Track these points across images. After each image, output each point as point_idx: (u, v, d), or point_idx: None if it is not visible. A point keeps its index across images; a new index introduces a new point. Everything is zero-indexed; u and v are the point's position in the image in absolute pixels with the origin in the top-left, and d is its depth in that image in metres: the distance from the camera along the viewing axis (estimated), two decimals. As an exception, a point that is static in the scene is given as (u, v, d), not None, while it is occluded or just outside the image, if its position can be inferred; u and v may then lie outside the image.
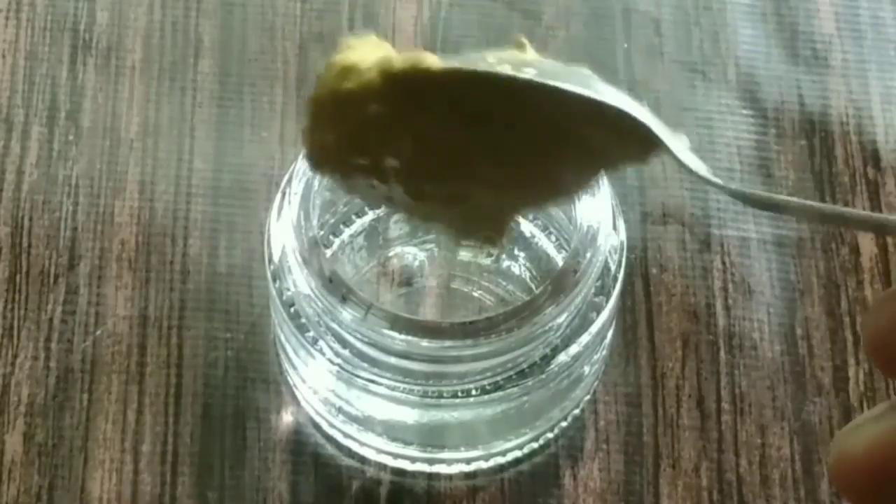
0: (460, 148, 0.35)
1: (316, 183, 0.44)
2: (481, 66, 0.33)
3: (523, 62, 0.34)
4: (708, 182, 0.34)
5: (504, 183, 0.35)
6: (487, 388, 0.44)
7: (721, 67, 0.55)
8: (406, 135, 0.35)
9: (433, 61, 0.33)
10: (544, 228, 0.49)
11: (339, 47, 0.35)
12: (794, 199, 0.33)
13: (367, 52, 0.34)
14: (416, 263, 0.51)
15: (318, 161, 0.36)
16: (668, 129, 0.35)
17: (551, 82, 0.33)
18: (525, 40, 0.36)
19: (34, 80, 0.54)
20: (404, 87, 0.33)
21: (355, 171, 0.36)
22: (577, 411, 0.49)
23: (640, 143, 0.34)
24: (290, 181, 0.44)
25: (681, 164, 0.34)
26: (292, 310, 0.44)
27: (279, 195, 0.45)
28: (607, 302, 0.45)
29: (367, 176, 0.36)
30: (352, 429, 0.48)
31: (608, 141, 0.35)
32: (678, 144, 0.34)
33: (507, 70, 0.33)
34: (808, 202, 0.33)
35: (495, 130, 0.34)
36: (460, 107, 0.34)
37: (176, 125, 0.54)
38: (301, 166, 0.44)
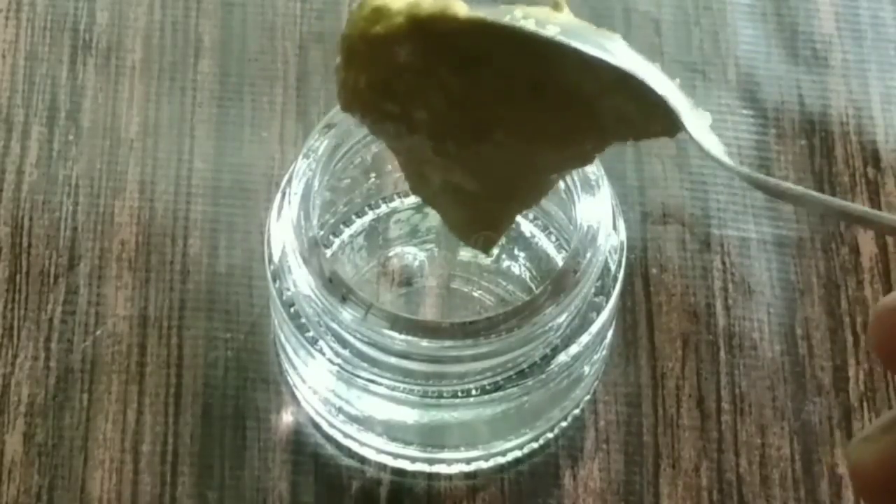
0: (483, 103, 0.35)
1: (316, 183, 0.44)
2: (507, 20, 0.33)
3: (550, 20, 0.34)
4: (720, 163, 0.34)
5: (525, 143, 0.35)
6: (487, 388, 0.44)
7: (721, 67, 0.55)
8: (436, 86, 0.34)
9: (461, 9, 0.33)
10: (544, 228, 0.49)
11: None
12: (803, 188, 0.33)
13: None
14: (416, 263, 0.51)
15: (348, 102, 0.36)
16: (690, 105, 0.34)
17: (573, 43, 0.33)
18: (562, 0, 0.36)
19: (34, 80, 0.54)
20: (431, 32, 0.34)
21: (385, 118, 0.36)
22: (577, 411, 0.49)
23: (664, 115, 0.34)
24: (290, 181, 0.44)
25: (693, 141, 0.34)
26: (292, 310, 0.44)
27: (279, 195, 0.45)
28: (607, 302, 0.45)
29: (396, 123, 0.36)
30: (352, 429, 0.48)
31: (630, 109, 0.35)
32: (697, 121, 0.34)
33: (530, 25, 0.33)
34: (817, 193, 0.33)
35: (518, 87, 0.34)
36: (484, 58, 0.34)
37: (176, 125, 0.54)
38: (301, 165, 0.44)
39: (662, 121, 0.34)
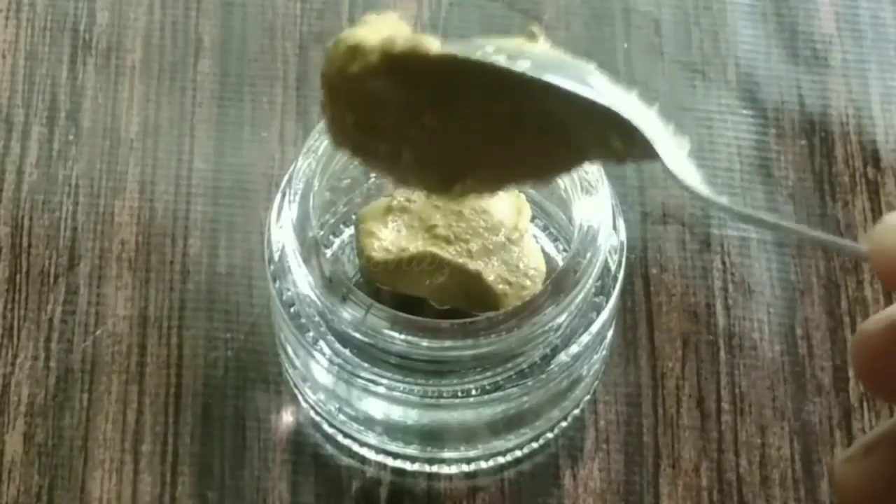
0: (464, 135, 0.35)
1: (316, 183, 0.44)
2: (478, 55, 0.34)
3: (523, 53, 0.34)
4: (696, 195, 0.34)
5: (499, 166, 0.36)
6: (487, 388, 0.44)
7: (721, 67, 0.55)
8: (417, 121, 0.35)
9: (433, 46, 0.34)
10: (544, 228, 0.49)
11: (359, 22, 0.35)
12: (776, 218, 0.33)
13: (376, 31, 0.35)
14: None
15: (338, 141, 0.37)
16: (667, 133, 0.35)
17: (545, 77, 0.33)
18: (537, 30, 0.36)
19: (34, 80, 0.54)
20: (406, 69, 0.34)
21: (374, 156, 0.37)
22: (577, 411, 0.49)
23: (642, 142, 0.34)
24: (290, 181, 0.44)
25: (669, 173, 0.34)
26: (292, 310, 0.44)
27: (279, 195, 0.45)
28: (607, 302, 0.45)
29: (385, 161, 0.36)
30: (352, 429, 0.48)
31: (609, 136, 0.35)
32: (673, 151, 0.34)
33: (502, 61, 0.34)
34: (791, 224, 0.33)
35: (496, 117, 0.35)
36: (461, 91, 0.34)
37: (176, 125, 0.54)
38: (301, 165, 0.44)
39: (642, 147, 0.35)
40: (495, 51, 0.34)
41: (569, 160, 0.37)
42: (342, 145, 0.37)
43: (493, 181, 0.37)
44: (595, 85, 0.34)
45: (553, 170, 0.37)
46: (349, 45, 0.34)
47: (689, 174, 0.34)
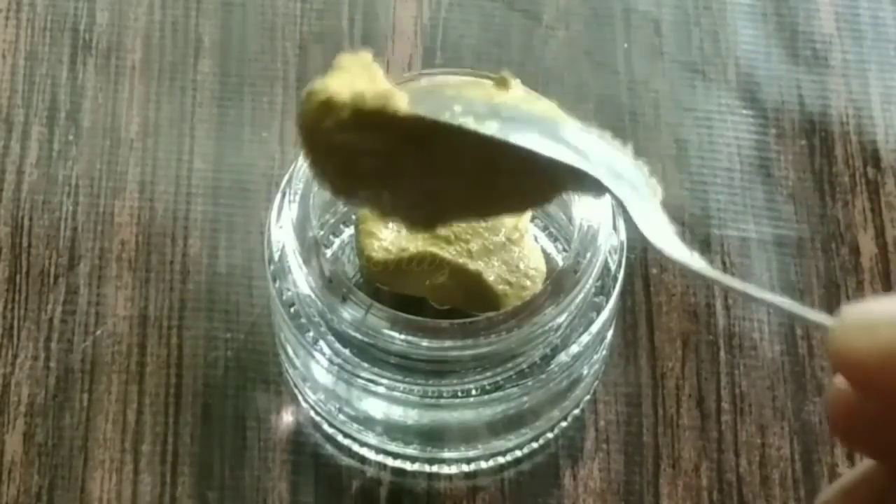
0: (440, 177, 0.36)
1: (316, 183, 0.44)
2: (446, 116, 0.34)
3: (492, 109, 0.35)
4: (668, 256, 0.34)
5: (481, 204, 0.37)
6: (487, 388, 0.44)
7: (721, 67, 0.55)
8: (393, 170, 0.36)
9: (402, 103, 0.35)
10: (544, 228, 0.49)
11: (333, 66, 0.36)
12: (748, 287, 0.33)
13: (348, 81, 0.35)
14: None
15: (319, 182, 0.38)
16: (642, 180, 0.35)
17: (512, 138, 0.34)
18: (509, 76, 0.37)
19: (34, 80, 0.54)
20: (375, 124, 0.35)
21: (359, 201, 0.38)
22: (577, 411, 0.49)
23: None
24: (290, 181, 0.44)
25: (641, 234, 0.34)
26: (292, 310, 0.44)
27: (279, 195, 0.45)
28: (607, 302, 0.45)
29: (370, 204, 0.38)
30: (352, 429, 0.48)
31: (580, 182, 0.35)
32: (645, 205, 0.34)
33: (470, 123, 0.34)
34: (762, 294, 0.33)
35: (470, 165, 0.35)
36: (432, 143, 0.35)
37: (176, 125, 0.54)
38: (301, 165, 0.44)
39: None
40: (463, 111, 0.35)
41: (550, 193, 0.37)
42: (324, 187, 0.38)
43: (476, 216, 0.39)
44: (566, 137, 0.35)
45: (535, 202, 0.38)
46: (320, 100, 0.35)
47: (663, 228, 0.34)
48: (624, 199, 0.34)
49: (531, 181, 0.36)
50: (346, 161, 0.36)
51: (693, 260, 0.33)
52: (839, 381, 0.29)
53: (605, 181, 0.34)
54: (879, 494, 0.30)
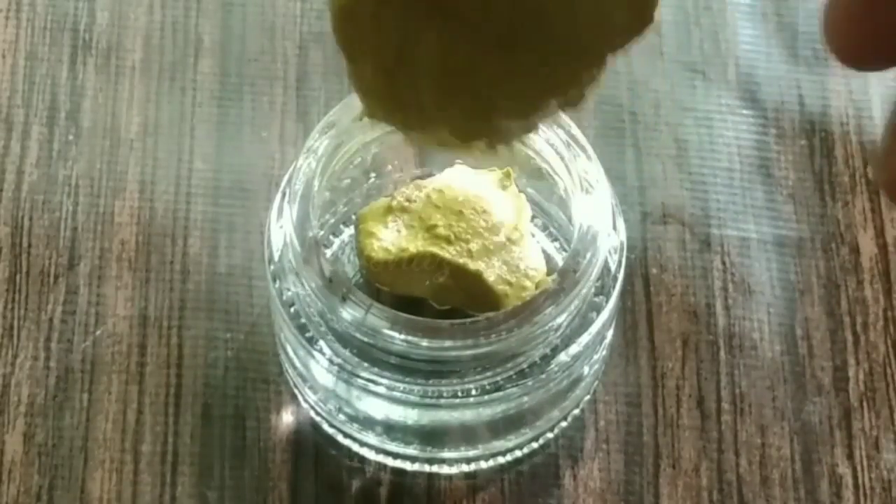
0: (470, 50, 0.34)
1: (316, 183, 0.44)
2: None
3: None
4: None
5: (520, 85, 0.35)
6: (487, 388, 0.44)
7: (721, 67, 0.55)
8: (422, 41, 0.34)
9: None
10: (544, 228, 0.49)
11: None
12: None
13: None
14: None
15: (367, 100, 0.36)
16: None
17: None
18: None
19: (34, 80, 0.54)
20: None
21: (399, 110, 0.36)
22: (577, 411, 0.49)
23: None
24: (290, 181, 0.44)
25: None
26: (292, 310, 0.44)
27: (279, 195, 0.45)
28: (607, 302, 0.45)
29: (411, 112, 0.36)
30: (352, 429, 0.48)
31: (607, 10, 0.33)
32: None
33: None
34: None
35: (493, 25, 0.34)
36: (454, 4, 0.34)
37: (176, 125, 0.54)
38: (301, 165, 0.44)
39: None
40: None
41: (584, 59, 0.35)
42: (373, 106, 0.36)
43: (522, 108, 0.36)
44: None
45: (573, 80, 0.35)
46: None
47: None
48: None
49: (560, 45, 0.34)
50: (376, 46, 0.34)
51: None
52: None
53: None
54: None
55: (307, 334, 0.44)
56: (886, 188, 0.28)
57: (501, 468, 0.49)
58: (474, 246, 0.46)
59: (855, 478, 0.49)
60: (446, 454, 0.48)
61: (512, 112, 0.36)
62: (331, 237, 0.49)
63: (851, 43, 0.28)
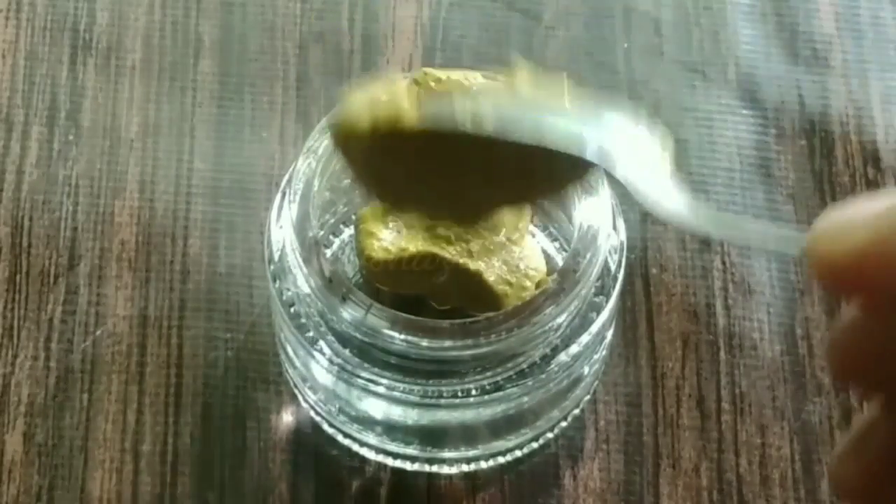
0: (466, 173, 0.37)
1: (316, 183, 0.44)
2: (449, 113, 0.36)
3: (497, 103, 0.36)
4: (682, 225, 0.34)
5: (514, 188, 0.38)
6: (487, 388, 0.44)
7: (721, 67, 0.55)
8: (422, 177, 0.38)
9: (411, 118, 0.36)
10: (544, 228, 0.49)
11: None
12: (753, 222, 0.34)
13: (367, 101, 0.37)
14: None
15: (367, 193, 0.41)
16: (645, 146, 0.35)
17: (510, 135, 0.35)
18: (520, 62, 0.38)
19: (34, 80, 0.54)
20: (392, 144, 0.37)
21: (399, 205, 0.42)
22: (577, 411, 0.49)
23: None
24: (290, 181, 0.44)
25: (641, 201, 0.34)
26: (292, 310, 0.44)
27: (279, 195, 0.45)
28: (607, 302, 0.45)
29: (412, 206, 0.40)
30: (352, 429, 0.48)
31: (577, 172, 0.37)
32: (648, 180, 0.35)
33: (468, 126, 0.35)
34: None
35: (476, 165, 0.37)
36: (441, 152, 0.37)
37: (176, 125, 0.54)
38: (301, 165, 0.44)
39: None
40: (466, 110, 0.36)
41: (558, 180, 0.38)
42: (373, 199, 0.41)
43: (508, 204, 0.40)
44: (564, 124, 0.35)
45: (547, 190, 0.39)
46: (341, 131, 0.38)
47: (669, 200, 0.34)
48: (627, 181, 0.34)
49: (539, 170, 0.37)
50: (380, 175, 0.38)
51: (696, 218, 0.33)
52: (844, 314, 0.29)
53: (606, 167, 0.35)
54: (889, 441, 0.29)
55: (307, 334, 0.44)
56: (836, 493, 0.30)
57: (501, 468, 0.49)
58: (474, 246, 0.46)
59: (855, 478, 0.49)
60: (446, 454, 0.48)
61: (498, 208, 0.40)
62: (331, 237, 0.49)
63: (846, 369, 0.30)
